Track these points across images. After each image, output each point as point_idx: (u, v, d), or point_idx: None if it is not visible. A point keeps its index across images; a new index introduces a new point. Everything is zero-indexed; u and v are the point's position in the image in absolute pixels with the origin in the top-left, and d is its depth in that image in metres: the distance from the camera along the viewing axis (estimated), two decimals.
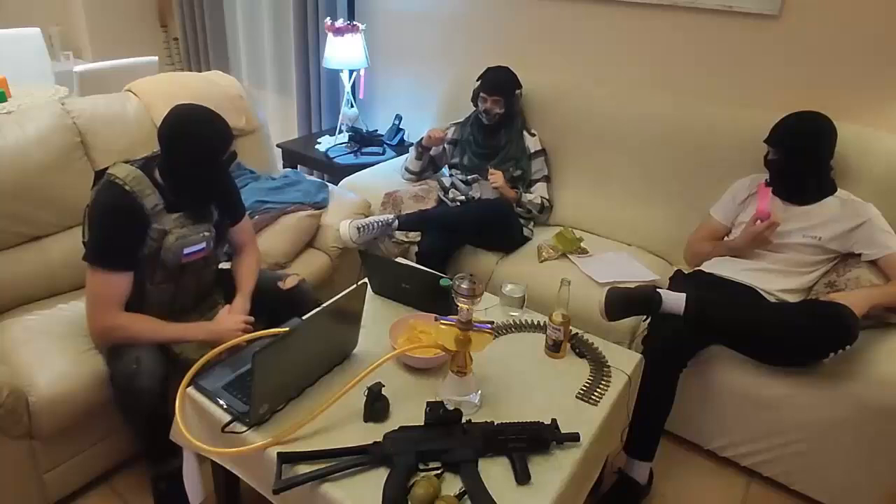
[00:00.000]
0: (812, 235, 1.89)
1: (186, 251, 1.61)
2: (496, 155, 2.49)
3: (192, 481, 1.47)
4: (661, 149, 2.38)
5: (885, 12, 2.02)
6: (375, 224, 2.26)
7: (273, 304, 1.79)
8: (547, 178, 2.55)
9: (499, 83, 2.43)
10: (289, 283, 1.85)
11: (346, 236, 2.24)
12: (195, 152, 1.55)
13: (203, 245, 1.65)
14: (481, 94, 2.45)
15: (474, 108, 2.53)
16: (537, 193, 2.50)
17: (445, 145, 2.64)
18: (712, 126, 2.27)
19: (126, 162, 1.57)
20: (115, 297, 1.55)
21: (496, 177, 2.39)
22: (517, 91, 2.48)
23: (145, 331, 1.57)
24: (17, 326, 1.76)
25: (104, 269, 1.53)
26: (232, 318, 1.66)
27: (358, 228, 2.23)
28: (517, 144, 2.49)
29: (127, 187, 1.51)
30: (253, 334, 1.54)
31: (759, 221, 1.90)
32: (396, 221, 2.31)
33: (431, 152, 2.66)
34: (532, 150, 2.51)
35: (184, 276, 1.67)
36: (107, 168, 1.56)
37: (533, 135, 2.53)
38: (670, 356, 1.73)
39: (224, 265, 1.89)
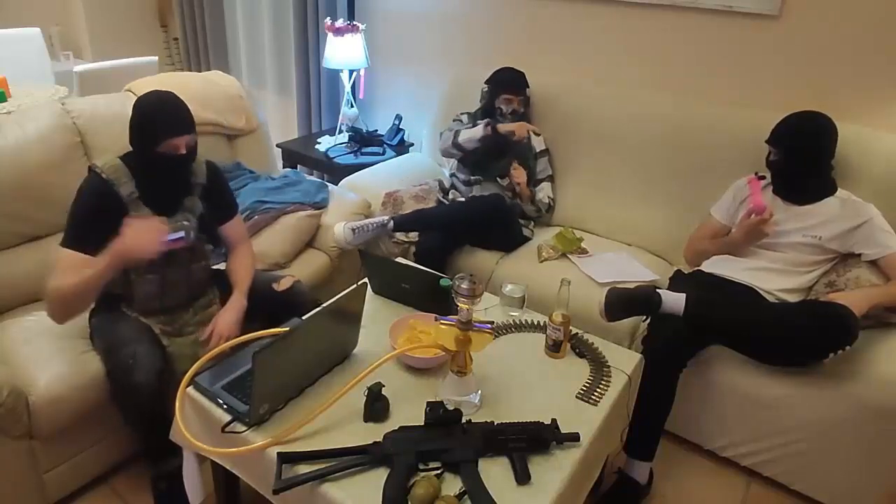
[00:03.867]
0: (812, 235, 1.89)
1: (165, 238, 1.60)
2: (503, 154, 2.47)
3: (192, 481, 1.47)
4: (661, 149, 2.38)
5: (885, 12, 2.02)
6: (370, 225, 2.26)
7: (269, 306, 1.79)
8: (551, 178, 2.55)
9: (518, 82, 2.47)
10: (283, 285, 1.84)
11: (340, 238, 2.24)
12: (143, 134, 1.56)
13: (182, 234, 1.66)
14: (504, 97, 2.45)
15: (486, 109, 2.51)
16: (543, 193, 2.50)
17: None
18: (712, 126, 2.27)
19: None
20: (66, 269, 1.52)
21: (519, 173, 2.38)
22: (527, 89, 2.52)
23: (73, 283, 1.49)
24: (17, 326, 1.76)
25: (69, 247, 1.54)
26: (225, 315, 1.69)
27: (353, 230, 2.23)
28: (524, 143, 2.49)
29: (104, 175, 1.56)
30: (253, 334, 1.54)
31: (753, 216, 1.90)
32: (392, 222, 2.30)
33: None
34: (538, 150, 2.51)
35: (170, 268, 1.67)
36: None
37: (538, 134, 2.53)
38: (670, 356, 1.73)
39: (219, 266, 1.89)
